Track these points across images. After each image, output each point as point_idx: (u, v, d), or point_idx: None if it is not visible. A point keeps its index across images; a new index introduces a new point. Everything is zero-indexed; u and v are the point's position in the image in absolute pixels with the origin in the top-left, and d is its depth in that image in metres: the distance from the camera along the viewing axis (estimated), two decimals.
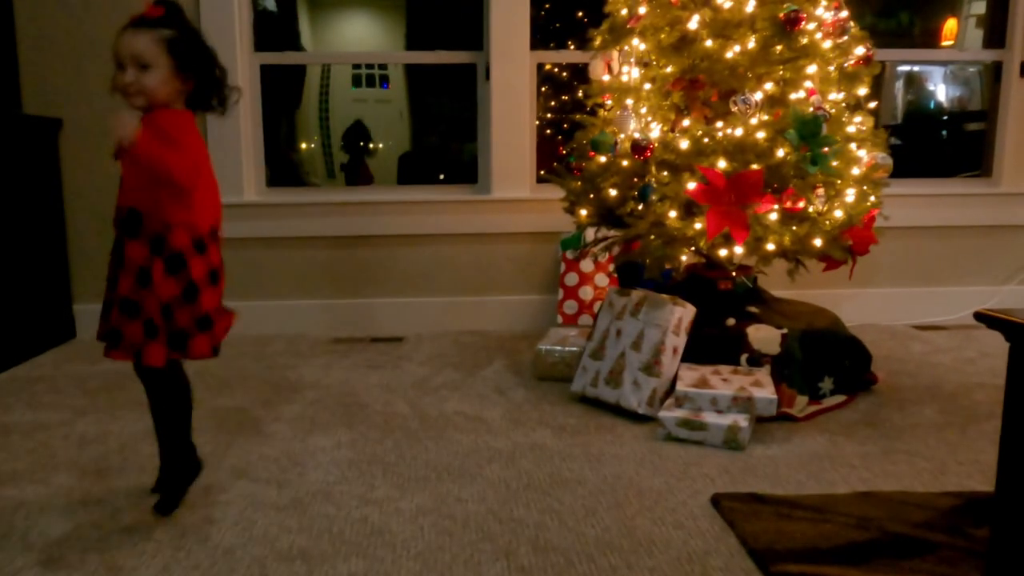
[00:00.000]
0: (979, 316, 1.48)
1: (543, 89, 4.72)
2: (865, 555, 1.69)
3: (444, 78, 4.87)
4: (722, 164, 2.56)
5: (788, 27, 2.60)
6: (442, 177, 5.11)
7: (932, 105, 5.33)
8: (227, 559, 1.76)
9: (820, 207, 2.64)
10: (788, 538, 1.76)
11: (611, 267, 3.76)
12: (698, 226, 2.56)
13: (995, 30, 4.21)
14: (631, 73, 2.90)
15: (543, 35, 4.60)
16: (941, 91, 5.37)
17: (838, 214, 2.68)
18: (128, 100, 1.81)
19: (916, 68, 5.35)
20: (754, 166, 2.55)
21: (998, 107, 4.13)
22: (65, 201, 3.81)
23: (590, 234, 3.20)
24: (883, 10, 4.87)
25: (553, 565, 1.72)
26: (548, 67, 4.71)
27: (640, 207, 2.70)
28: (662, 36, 2.80)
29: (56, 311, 3.76)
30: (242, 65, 3.76)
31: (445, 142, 5.23)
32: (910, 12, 4.90)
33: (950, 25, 4.79)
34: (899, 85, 5.40)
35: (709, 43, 2.70)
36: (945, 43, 4.78)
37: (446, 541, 1.83)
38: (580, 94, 3.18)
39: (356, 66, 5.45)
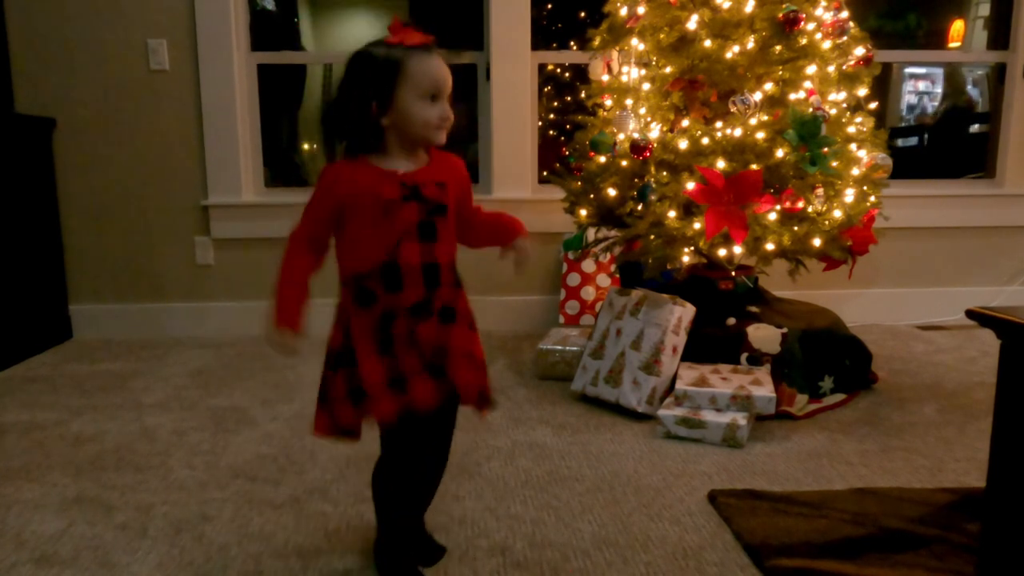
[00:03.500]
0: (971, 314, 1.48)
1: (546, 90, 4.73)
2: (859, 550, 1.69)
3: None
4: (721, 164, 2.57)
5: (787, 27, 2.61)
6: None
7: (942, 106, 5.31)
8: (221, 556, 1.77)
9: (819, 207, 2.64)
10: (783, 533, 1.77)
11: (612, 267, 3.76)
12: (697, 226, 2.56)
13: (999, 32, 4.21)
14: (630, 73, 2.90)
15: (545, 35, 4.62)
16: (954, 92, 5.36)
17: (837, 214, 2.68)
18: (435, 139, 1.59)
19: (927, 69, 5.35)
20: (753, 166, 2.56)
21: (1001, 109, 4.13)
22: (59, 201, 3.82)
23: (591, 234, 3.21)
24: (890, 12, 4.86)
25: (548, 561, 1.73)
26: (550, 67, 4.72)
27: (639, 207, 2.70)
28: (661, 36, 2.81)
29: (52, 311, 3.78)
30: (239, 65, 3.77)
31: (448, 143, 5.22)
32: (917, 14, 4.89)
33: (957, 27, 4.78)
34: (920, 86, 5.40)
35: (708, 43, 2.71)
36: (952, 45, 4.77)
37: (442, 538, 1.83)
38: (582, 95, 3.19)
39: None
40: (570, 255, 3.78)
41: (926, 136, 5.34)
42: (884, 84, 5.04)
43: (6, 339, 3.40)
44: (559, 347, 3.08)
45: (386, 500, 1.67)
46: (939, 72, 5.34)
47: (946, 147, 5.14)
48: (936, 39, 4.91)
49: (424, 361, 1.58)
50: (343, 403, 1.56)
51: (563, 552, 1.76)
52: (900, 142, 5.33)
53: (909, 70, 5.43)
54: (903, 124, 5.43)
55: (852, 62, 2.84)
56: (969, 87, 5.21)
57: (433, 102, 1.55)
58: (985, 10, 4.65)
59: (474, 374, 1.63)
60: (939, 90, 5.39)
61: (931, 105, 5.39)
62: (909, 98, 5.46)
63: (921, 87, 5.51)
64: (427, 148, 1.63)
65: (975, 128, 4.89)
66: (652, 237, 2.66)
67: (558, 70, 4.77)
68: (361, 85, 1.55)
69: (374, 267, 1.57)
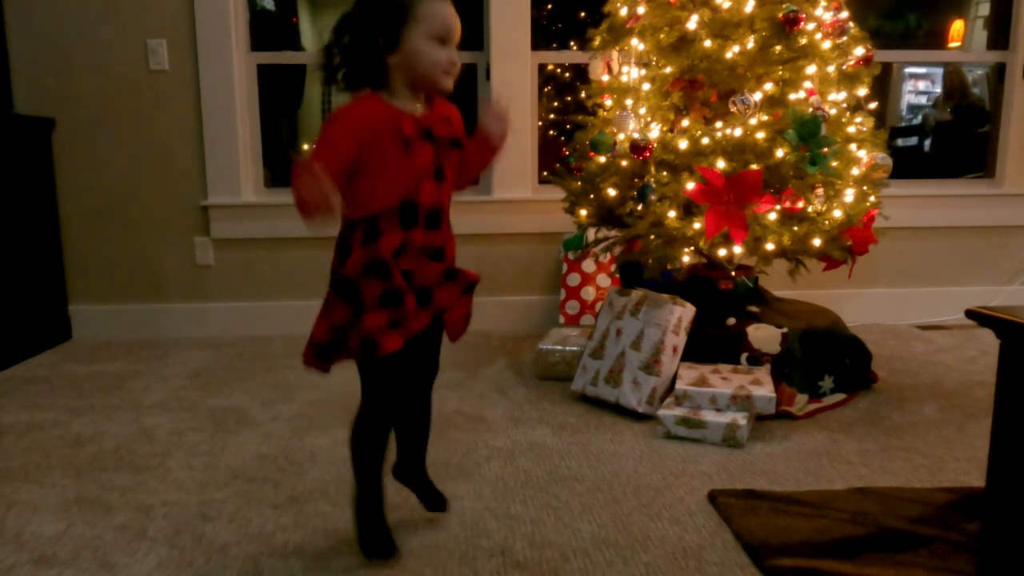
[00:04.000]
0: (970, 314, 1.48)
1: (546, 90, 4.72)
2: (859, 549, 1.69)
3: None
4: (721, 164, 2.56)
5: (787, 27, 2.61)
6: None
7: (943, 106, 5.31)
8: (221, 556, 1.77)
9: (819, 207, 2.64)
10: (783, 533, 1.77)
11: (612, 267, 3.76)
12: (697, 226, 2.56)
13: (999, 32, 4.21)
14: (630, 73, 2.90)
15: (545, 35, 4.61)
16: (953, 93, 5.36)
17: (837, 214, 2.68)
18: (442, 83, 1.61)
19: (927, 69, 5.36)
20: (753, 166, 2.56)
21: (1001, 108, 4.13)
22: (59, 201, 3.82)
23: (591, 234, 3.21)
24: (890, 12, 4.87)
25: (548, 561, 1.73)
26: (551, 68, 4.72)
27: (639, 207, 2.70)
28: (661, 36, 2.81)
29: (51, 312, 3.78)
30: (238, 65, 3.77)
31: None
32: (917, 14, 4.89)
33: (957, 27, 4.78)
34: (920, 86, 5.40)
35: (708, 43, 2.71)
36: (952, 44, 4.77)
37: (442, 537, 1.84)
38: (582, 95, 3.19)
39: None
40: (570, 255, 3.78)
41: (927, 136, 5.34)
42: (884, 84, 5.04)
43: (5, 340, 3.39)
44: (559, 347, 3.08)
45: (364, 452, 1.72)
46: (939, 72, 5.34)
47: (946, 147, 5.14)
48: (936, 39, 4.91)
49: (426, 301, 1.68)
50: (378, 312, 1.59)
51: (563, 552, 1.76)
52: (900, 142, 5.33)
53: (909, 70, 5.44)
54: (903, 124, 5.44)
55: (852, 62, 2.84)
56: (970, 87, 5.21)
57: (442, 45, 1.57)
58: (985, 10, 4.66)
59: (463, 316, 1.77)
60: (939, 90, 5.39)
61: (931, 105, 5.39)
62: (910, 98, 5.47)
63: (921, 87, 5.52)
64: (428, 94, 1.65)
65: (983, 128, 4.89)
66: (652, 237, 2.66)
67: (558, 70, 4.77)
68: (370, 20, 1.56)
69: (392, 206, 1.59)
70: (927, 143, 5.31)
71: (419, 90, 1.63)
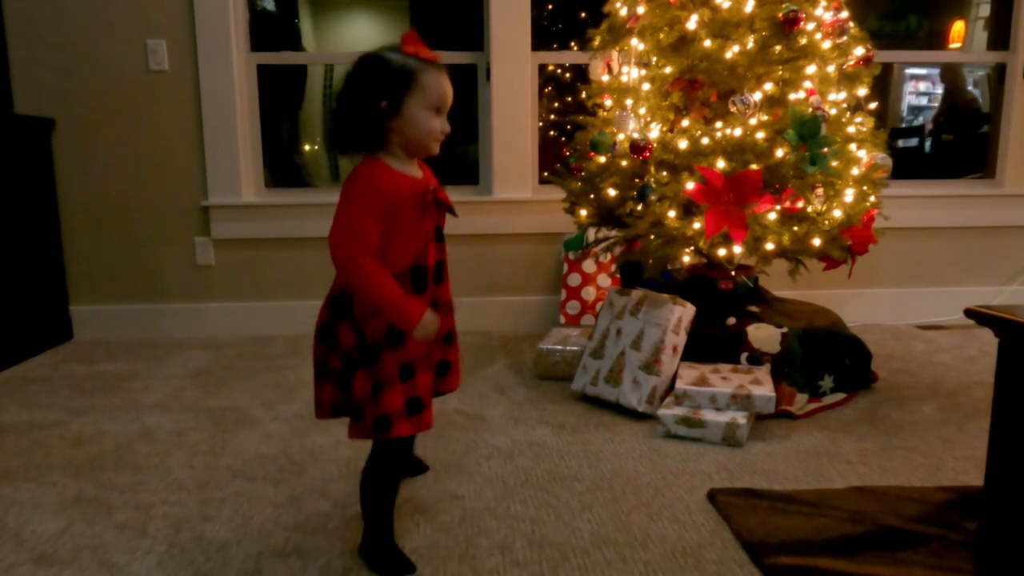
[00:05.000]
0: (969, 313, 1.48)
1: (547, 90, 4.73)
2: (857, 548, 1.69)
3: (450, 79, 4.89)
4: (721, 164, 2.57)
5: (787, 27, 2.61)
6: (448, 179, 5.13)
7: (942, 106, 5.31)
8: (221, 555, 1.77)
9: (819, 207, 2.64)
10: (782, 531, 1.77)
11: (613, 267, 3.76)
12: (697, 226, 2.57)
13: (999, 32, 4.21)
14: (630, 73, 2.91)
15: (546, 36, 4.62)
16: (953, 93, 5.35)
17: (837, 214, 2.68)
18: (433, 149, 1.69)
19: (927, 70, 5.36)
20: (753, 166, 2.56)
21: (1001, 109, 4.13)
22: (59, 202, 3.82)
23: (591, 234, 3.21)
24: (891, 12, 4.87)
25: (548, 559, 1.73)
26: (552, 68, 4.72)
27: (639, 207, 2.70)
28: (661, 36, 2.81)
29: (52, 312, 3.79)
30: (238, 65, 3.78)
31: (452, 144, 5.22)
32: (918, 15, 4.89)
33: (958, 27, 4.78)
34: (920, 87, 5.40)
35: (708, 43, 2.71)
36: (953, 45, 4.77)
37: (442, 537, 1.84)
38: (582, 95, 3.19)
39: None
40: (571, 255, 3.78)
41: (927, 137, 5.34)
42: (885, 85, 5.04)
43: (6, 340, 3.40)
44: (559, 347, 3.08)
45: (377, 497, 1.74)
46: (939, 73, 5.34)
47: (947, 148, 5.14)
48: (937, 40, 4.91)
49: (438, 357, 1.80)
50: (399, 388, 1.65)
51: (562, 551, 1.77)
52: (900, 143, 5.33)
53: (910, 71, 5.44)
54: (903, 125, 5.44)
55: (852, 62, 2.84)
56: (970, 87, 5.20)
57: (436, 114, 1.65)
58: (985, 11, 4.66)
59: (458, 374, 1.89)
60: (939, 91, 5.39)
61: (931, 106, 5.39)
62: (910, 99, 5.47)
63: (922, 88, 5.51)
64: (420, 158, 1.72)
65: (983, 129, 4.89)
66: (652, 237, 2.66)
67: (559, 70, 4.77)
68: (373, 86, 1.61)
69: (404, 269, 1.66)
70: (927, 144, 5.30)
71: (411, 155, 1.69)
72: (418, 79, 1.61)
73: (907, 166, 3.78)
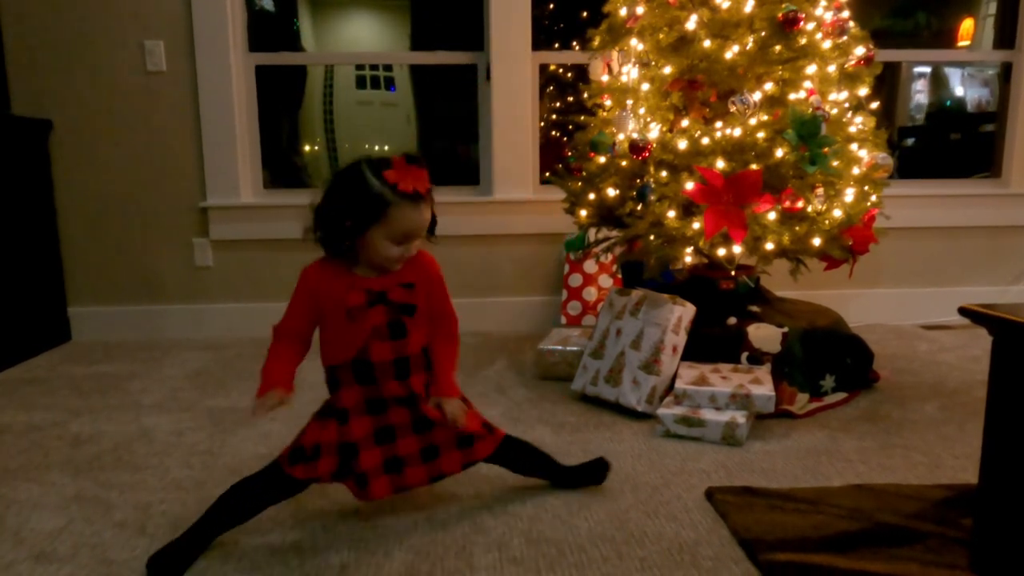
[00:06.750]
0: (963, 311, 1.49)
1: (549, 90, 4.72)
2: (854, 544, 1.68)
3: (450, 80, 4.88)
4: (721, 164, 2.56)
5: (787, 27, 2.61)
6: (449, 180, 5.12)
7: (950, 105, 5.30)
8: (219, 552, 1.77)
9: (819, 207, 2.63)
10: (779, 529, 1.76)
11: (614, 267, 3.76)
12: (697, 226, 2.56)
13: (1006, 31, 4.20)
14: (630, 73, 2.90)
15: (547, 36, 4.62)
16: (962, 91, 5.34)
17: (837, 213, 2.68)
18: (393, 268, 1.76)
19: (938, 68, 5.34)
20: (753, 166, 2.56)
21: (1008, 108, 4.12)
22: (57, 203, 3.83)
23: (591, 234, 3.21)
24: (900, 10, 4.86)
25: (545, 556, 1.73)
26: (553, 68, 4.72)
27: (639, 207, 2.70)
28: (660, 36, 2.81)
29: (51, 313, 3.80)
30: (236, 66, 3.79)
31: (452, 145, 5.22)
32: (927, 13, 4.88)
33: (967, 25, 4.77)
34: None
35: (707, 43, 2.71)
36: (962, 43, 4.76)
37: (439, 534, 1.84)
38: (583, 95, 3.19)
39: (360, 67, 5.47)
40: (572, 255, 3.78)
41: (934, 135, 5.32)
42: (893, 84, 5.03)
43: (5, 341, 3.41)
44: (559, 347, 3.08)
45: (233, 512, 1.79)
46: (946, 71, 5.32)
47: (952, 146, 5.12)
48: (946, 38, 4.90)
49: (416, 446, 1.86)
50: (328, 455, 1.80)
51: (559, 548, 1.76)
52: (909, 141, 5.31)
53: (918, 69, 5.42)
54: (911, 124, 5.41)
55: (853, 62, 2.84)
56: (977, 86, 5.19)
57: (399, 244, 1.71)
58: (995, 8, 4.64)
59: (458, 452, 1.89)
60: (942, 89, 5.37)
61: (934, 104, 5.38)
62: (919, 98, 5.44)
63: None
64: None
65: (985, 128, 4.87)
66: (652, 237, 2.66)
67: (560, 70, 4.77)
68: (344, 204, 1.69)
69: (345, 362, 1.78)
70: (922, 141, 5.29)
71: (371, 267, 1.76)
72: (388, 213, 1.66)
73: (909, 165, 3.77)
